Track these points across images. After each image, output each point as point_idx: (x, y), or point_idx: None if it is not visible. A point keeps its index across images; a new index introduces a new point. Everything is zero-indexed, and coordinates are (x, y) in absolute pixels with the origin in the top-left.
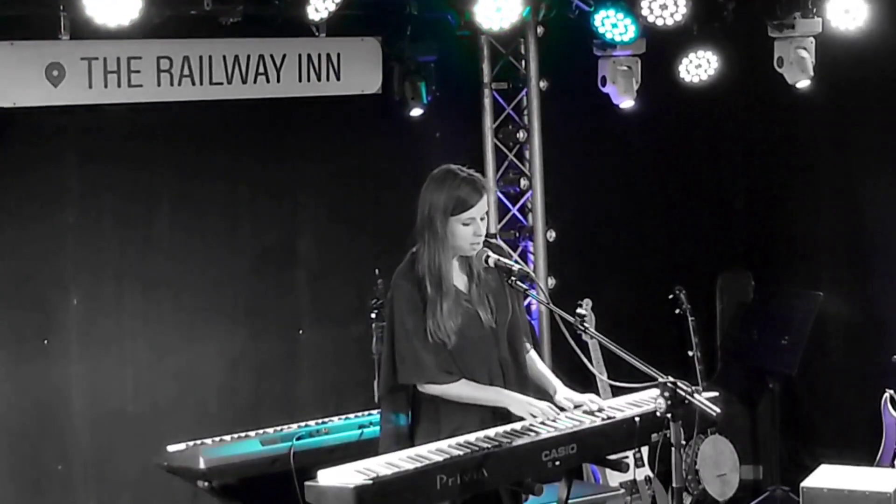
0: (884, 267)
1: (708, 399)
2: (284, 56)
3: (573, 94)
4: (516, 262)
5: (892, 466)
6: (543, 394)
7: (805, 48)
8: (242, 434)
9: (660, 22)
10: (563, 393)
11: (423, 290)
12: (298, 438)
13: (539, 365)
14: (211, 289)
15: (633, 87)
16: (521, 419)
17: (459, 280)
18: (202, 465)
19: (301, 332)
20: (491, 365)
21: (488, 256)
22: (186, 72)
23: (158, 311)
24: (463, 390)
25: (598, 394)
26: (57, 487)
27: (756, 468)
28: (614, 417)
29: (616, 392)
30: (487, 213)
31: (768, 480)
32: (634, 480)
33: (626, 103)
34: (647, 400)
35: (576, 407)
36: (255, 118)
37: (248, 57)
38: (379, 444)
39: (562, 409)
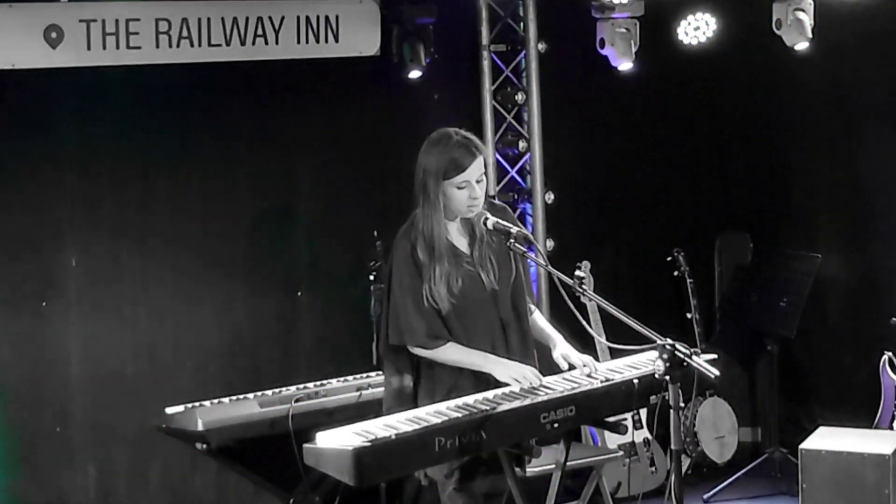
0: (882, 229)
1: (706, 361)
2: (283, 18)
3: (572, 56)
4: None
5: (891, 428)
6: (545, 350)
7: (803, 10)
8: (241, 396)
9: None
10: (560, 349)
11: (420, 253)
12: (297, 400)
13: (541, 322)
14: (209, 250)
15: (631, 49)
16: (506, 385)
17: (461, 241)
18: (200, 427)
19: (299, 293)
20: (493, 326)
21: (486, 219)
22: (185, 34)
23: (157, 272)
24: (450, 354)
25: (596, 356)
26: (55, 449)
27: (754, 430)
28: (613, 380)
29: (615, 354)
30: (486, 175)
31: (767, 442)
32: (633, 442)
33: (625, 65)
34: (645, 362)
35: (569, 368)
36: (253, 80)
37: (247, 19)
38: (383, 403)
39: (557, 369)
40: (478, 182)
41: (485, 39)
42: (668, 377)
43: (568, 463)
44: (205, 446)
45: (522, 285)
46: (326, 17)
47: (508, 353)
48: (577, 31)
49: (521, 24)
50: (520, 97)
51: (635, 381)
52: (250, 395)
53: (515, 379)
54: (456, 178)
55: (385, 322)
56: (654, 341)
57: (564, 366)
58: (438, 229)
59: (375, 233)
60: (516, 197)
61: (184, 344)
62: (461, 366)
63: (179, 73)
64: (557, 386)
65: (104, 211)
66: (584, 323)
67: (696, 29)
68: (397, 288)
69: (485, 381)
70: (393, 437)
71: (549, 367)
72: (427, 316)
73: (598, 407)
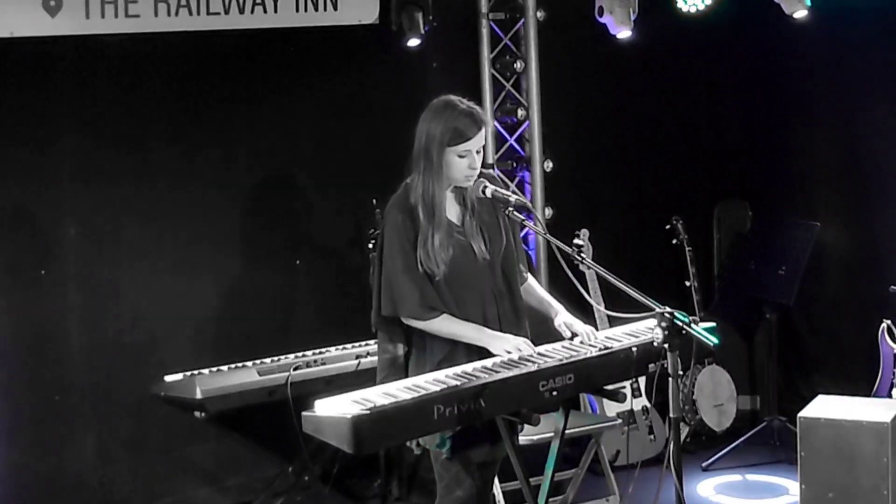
0: (881, 197)
1: (705, 329)
2: None
3: (570, 24)
4: (513, 192)
5: (890, 396)
6: (544, 319)
7: None
8: (239, 364)
9: None
10: (562, 318)
11: (415, 220)
12: (295, 368)
13: (539, 291)
14: (208, 219)
15: (629, 17)
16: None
17: (452, 212)
18: (199, 395)
19: (298, 262)
20: (485, 296)
21: (485, 187)
22: (183, 2)
23: (156, 241)
24: (443, 326)
25: (595, 324)
26: (54, 417)
27: (753, 398)
28: (611, 348)
29: (613, 322)
30: (484, 147)
31: (765, 411)
32: (632, 410)
33: (623, 34)
34: (644, 330)
35: (572, 336)
36: (252, 48)
37: None
38: (376, 372)
39: (559, 338)
40: (477, 153)
41: (483, 7)
42: (666, 345)
43: (566, 431)
44: (203, 414)
45: (513, 255)
46: None
47: (501, 323)
48: None
49: None
50: (518, 65)
51: (634, 349)
52: (249, 364)
53: (509, 351)
54: (458, 146)
55: (377, 293)
56: (653, 309)
57: (567, 334)
58: (441, 195)
59: (374, 201)
60: (515, 165)
61: (182, 312)
62: (454, 338)
63: (178, 41)
64: (556, 354)
65: (103, 180)
66: (582, 291)
67: None
68: (389, 259)
69: (477, 354)
70: (391, 405)
71: (539, 336)
72: (421, 286)
73: (597, 375)
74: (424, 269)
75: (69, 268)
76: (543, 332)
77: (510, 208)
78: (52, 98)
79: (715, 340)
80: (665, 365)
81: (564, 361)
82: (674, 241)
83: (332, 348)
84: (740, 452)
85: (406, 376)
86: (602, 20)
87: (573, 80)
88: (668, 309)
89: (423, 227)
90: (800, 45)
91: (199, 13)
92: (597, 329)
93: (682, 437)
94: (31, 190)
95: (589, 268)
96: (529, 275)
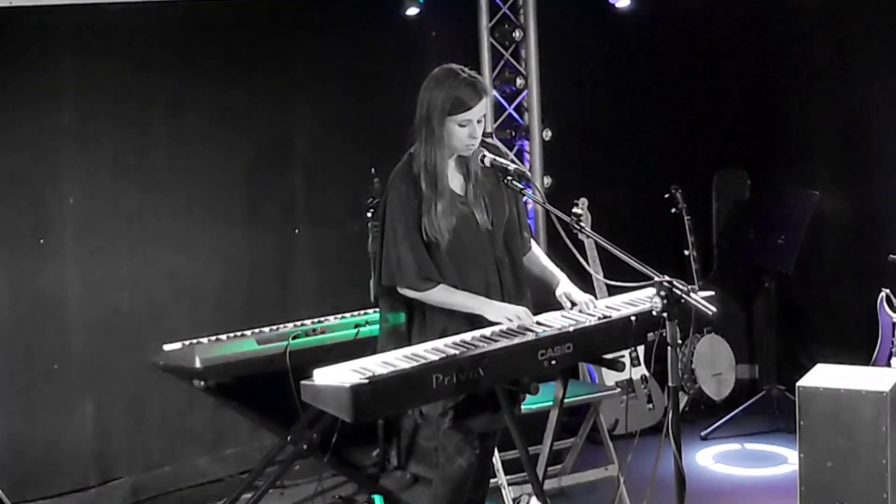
0: (880, 166)
1: (704, 298)
2: None
3: None
4: (512, 161)
5: (888, 365)
6: (546, 288)
7: None
8: (238, 333)
9: None
10: (563, 288)
11: (418, 190)
12: (294, 337)
13: (543, 260)
14: (207, 188)
15: None
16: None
17: (455, 181)
18: (198, 365)
19: (297, 231)
20: (487, 265)
21: (484, 156)
22: None
23: (154, 210)
24: (440, 296)
25: (593, 293)
26: (53, 387)
27: (752, 367)
28: (610, 317)
29: (612, 291)
30: (485, 116)
31: (764, 379)
32: (630, 379)
33: (622, 2)
34: (643, 299)
35: (572, 306)
36: (250, 18)
37: None
38: (378, 341)
39: (559, 307)
40: (478, 122)
41: None
42: (665, 314)
43: (565, 400)
44: (202, 383)
45: (516, 225)
46: None
47: (503, 292)
48: None
49: None
50: (517, 34)
51: (633, 318)
52: (248, 333)
53: (508, 318)
54: (459, 115)
55: (378, 263)
56: (652, 278)
57: (567, 304)
58: (442, 164)
59: (373, 170)
60: (514, 134)
61: (181, 281)
62: (452, 308)
63: (177, 10)
64: (555, 323)
65: (102, 149)
66: (581, 260)
67: None
68: (390, 230)
69: (478, 323)
70: (390, 374)
71: (543, 306)
72: (419, 257)
73: (596, 344)
74: (429, 239)
75: (68, 237)
76: (544, 301)
77: (509, 177)
78: (51, 67)
79: (713, 309)
80: (664, 334)
81: (564, 330)
82: (672, 210)
83: (332, 317)
84: (739, 421)
85: (408, 345)
86: None
87: (572, 49)
88: (666, 277)
89: (426, 196)
90: (799, 13)
91: None
92: (596, 298)
93: (681, 406)
94: (30, 159)
95: (588, 237)
96: (534, 243)
